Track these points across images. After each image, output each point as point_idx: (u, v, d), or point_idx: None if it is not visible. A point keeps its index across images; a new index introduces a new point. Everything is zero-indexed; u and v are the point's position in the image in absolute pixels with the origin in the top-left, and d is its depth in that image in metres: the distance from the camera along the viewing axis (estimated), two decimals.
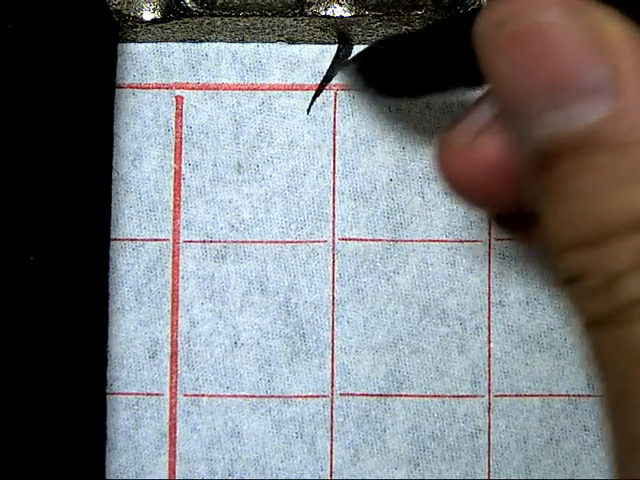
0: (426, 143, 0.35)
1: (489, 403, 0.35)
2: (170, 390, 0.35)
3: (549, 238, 0.19)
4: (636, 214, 0.17)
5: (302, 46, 0.36)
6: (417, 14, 0.34)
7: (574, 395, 0.34)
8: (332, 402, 0.35)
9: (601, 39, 0.18)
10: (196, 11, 0.34)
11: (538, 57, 0.18)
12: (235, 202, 0.35)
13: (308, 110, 0.35)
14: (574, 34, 0.18)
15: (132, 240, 0.35)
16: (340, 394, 0.35)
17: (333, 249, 0.35)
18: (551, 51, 0.18)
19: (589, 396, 0.34)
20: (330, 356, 0.35)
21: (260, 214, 0.35)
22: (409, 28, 0.34)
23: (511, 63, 0.18)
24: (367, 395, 0.35)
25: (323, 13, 0.34)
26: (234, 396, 0.35)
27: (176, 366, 0.35)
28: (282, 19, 0.34)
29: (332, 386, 0.35)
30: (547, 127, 0.18)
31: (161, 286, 0.35)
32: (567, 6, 0.18)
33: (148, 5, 0.34)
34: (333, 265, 0.35)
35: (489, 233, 0.35)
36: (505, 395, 0.35)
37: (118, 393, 0.35)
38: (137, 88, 0.36)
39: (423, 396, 0.35)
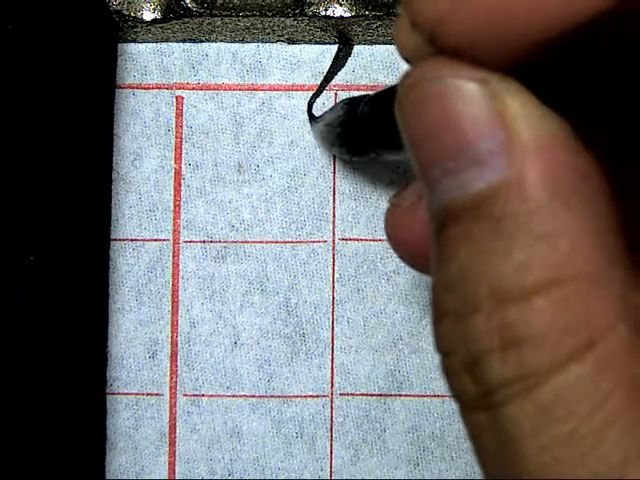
0: None
1: None
2: (170, 390, 0.35)
3: (432, 304, 0.19)
4: (502, 288, 0.17)
5: (302, 46, 0.36)
6: None
7: None
8: (332, 402, 0.35)
9: (500, 110, 0.18)
10: (196, 11, 0.34)
11: (439, 123, 0.18)
12: (235, 202, 0.35)
13: (309, 110, 0.35)
14: (474, 103, 0.18)
15: (132, 240, 0.35)
16: (340, 394, 0.35)
17: (333, 249, 0.35)
18: (450, 118, 0.18)
19: None
20: (330, 356, 0.35)
21: (260, 214, 0.35)
22: None
23: (417, 128, 0.19)
24: (367, 395, 0.35)
25: (323, 13, 0.34)
26: (234, 396, 0.35)
27: (176, 366, 0.35)
28: (282, 19, 0.34)
29: (332, 386, 0.35)
30: (442, 192, 0.18)
31: (161, 286, 0.35)
32: (471, 75, 0.18)
33: (148, 5, 0.34)
34: (333, 265, 0.35)
35: None
36: None
37: (118, 393, 0.35)
38: (137, 88, 0.36)
39: (423, 396, 0.35)
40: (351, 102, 0.31)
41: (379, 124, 0.27)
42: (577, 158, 0.18)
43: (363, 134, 0.29)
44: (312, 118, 0.35)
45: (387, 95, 0.25)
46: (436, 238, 0.19)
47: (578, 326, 0.17)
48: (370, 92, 0.31)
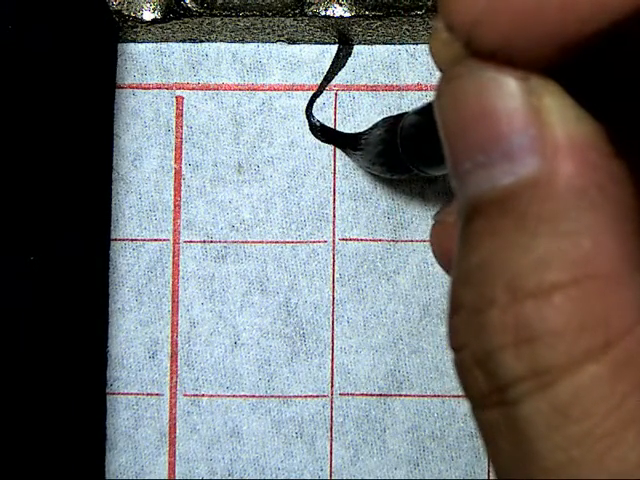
0: None
1: None
2: (170, 390, 0.35)
3: (448, 297, 0.19)
4: (519, 283, 0.17)
5: (302, 46, 0.36)
6: (417, 14, 0.34)
7: None
8: (332, 402, 0.35)
9: (537, 107, 0.18)
10: (196, 11, 0.34)
11: (475, 115, 0.18)
12: (235, 202, 0.35)
13: (308, 110, 0.35)
14: (511, 98, 0.18)
15: (132, 240, 0.35)
16: (340, 394, 0.35)
17: (333, 249, 0.35)
18: (487, 111, 0.18)
19: None
20: (330, 356, 0.35)
21: (260, 214, 0.35)
22: (409, 28, 0.34)
23: (453, 119, 0.19)
24: (367, 395, 0.35)
25: (323, 13, 0.34)
26: (234, 396, 0.35)
27: (176, 366, 0.35)
28: (282, 19, 0.34)
29: (332, 386, 0.35)
30: (472, 186, 0.18)
31: (161, 286, 0.35)
32: (507, 72, 0.18)
33: (148, 5, 0.34)
34: (333, 265, 0.35)
35: None
36: None
37: (118, 393, 0.35)
38: (137, 88, 0.36)
39: (423, 396, 0.35)
40: (391, 120, 0.31)
41: (421, 138, 0.27)
42: (608, 161, 0.18)
43: (404, 151, 0.29)
44: (311, 118, 0.35)
45: (428, 110, 0.25)
46: (461, 232, 0.19)
47: (595, 325, 0.17)
48: (406, 112, 0.31)
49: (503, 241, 0.17)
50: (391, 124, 0.31)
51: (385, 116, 0.33)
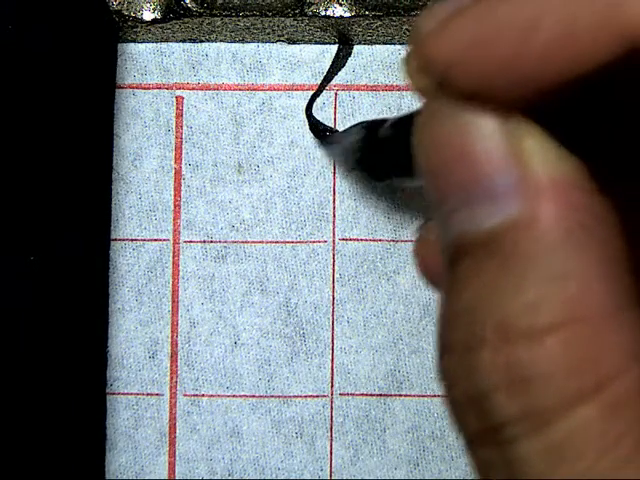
0: None
1: None
2: (170, 390, 0.35)
3: (437, 339, 0.19)
4: (510, 325, 0.17)
5: (302, 46, 0.36)
6: (417, 14, 0.34)
7: None
8: (332, 402, 0.35)
9: (517, 148, 0.18)
10: (196, 11, 0.34)
11: (455, 157, 0.18)
12: (235, 202, 0.35)
13: (308, 110, 0.35)
14: (491, 139, 0.18)
15: (132, 240, 0.35)
16: (340, 394, 0.35)
17: (333, 249, 0.35)
18: (467, 152, 0.18)
19: None
20: (330, 356, 0.35)
21: (260, 214, 0.35)
22: (409, 28, 0.34)
23: (433, 161, 0.19)
24: (367, 395, 0.35)
25: (323, 13, 0.34)
26: (234, 396, 0.35)
27: (176, 366, 0.35)
28: (282, 19, 0.34)
29: (332, 386, 0.35)
30: (456, 226, 0.18)
31: (161, 286, 0.35)
32: (486, 113, 0.18)
33: (148, 5, 0.34)
34: (333, 265, 0.35)
35: None
36: None
37: (118, 393, 0.35)
38: (137, 88, 0.36)
39: (423, 396, 0.35)
40: (368, 126, 0.31)
41: (399, 151, 0.27)
42: (592, 200, 0.18)
43: (383, 160, 0.29)
44: (311, 119, 0.35)
45: (407, 122, 0.25)
46: (447, 271, 0.19)
47: (587, 368, 0.17)
48: (388, 117, 0.31)
49: (491, 283, 0.17)
50: (369, 131, 0.31)
51: (360, 120, 0.33)
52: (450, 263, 0.19)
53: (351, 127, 0.33)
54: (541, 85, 0.17)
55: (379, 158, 0.29)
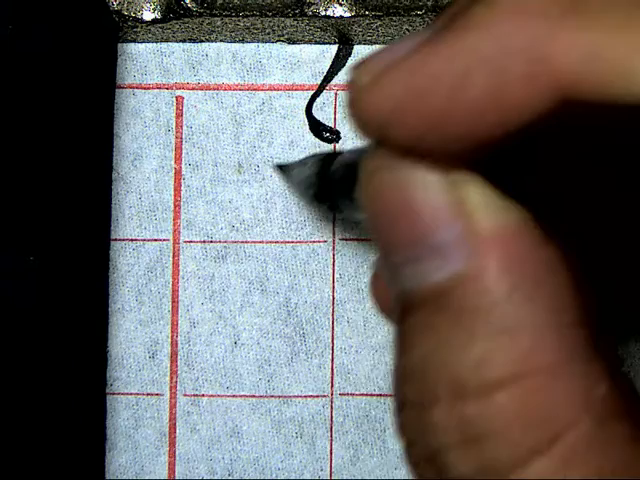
0: None
1: None
2: (170, 390, 0.35)
3: (392, 392, 0.19)
4: (461, 382, 0.17)
5: (302, 46, 0.36)
6: (417, 14, 0.34)
7: None
8: (332, 402, 0.35)
9: (459, 201, 0.17)
10: (196, 11, 0.34)
11: (399, 212, 0.18)
12: (235, 202, 0.35)
13: (308, 110, 0.35)
14: (433, 192, 0.18)
15: (132, 240, 0.35)
16: (340, 394, 0.35)
17: (333, 249, 0.35)
18: (410, 207, 0.18)
19: None
20: (330, 356, 0.35)
21: (260, 214, 0.35)
22: (409, 28, 0.34)
23: (378, 215, 0.18)
24: (367, 395, 0.35)
25: (323, 13, 0.34)
26: (234, 396, 0.35)
27: (176, 366, 0.35)
28: (282, 19, 0.34)
29: (332, 386, 0.35)
30: (403, 280, 0.18)
31: (161, 286, 0.35)
32: (425, 166, 0.18)
33: (148, 5, 0.34)
34: (333, 265, 0.35)
35: None
36: None
37: (118, 393, 0.35)
38: (137, 88, 0.36)
39: None
40: (323, 160, 0.30)
41: (351, 191, 0.26)
42: (540, 249, 0.17)
43: (337, 196, 0.28)
44: (311, 119, 0.35)
45: (356, 165, 0.25)
46: (398, 324, 0.18)
47: (539, 422, 0.16)
48: (339, 151, 0.30)
49: (441, 339, 0.17)
50: (322, 165, 0.30)
51: (315, 153, 0.33)
52: (401, 315, 0.18)
53: (306, 158, 0.32)
54: (474, 139, 0.17)
55: (334, 194, 0.29)
